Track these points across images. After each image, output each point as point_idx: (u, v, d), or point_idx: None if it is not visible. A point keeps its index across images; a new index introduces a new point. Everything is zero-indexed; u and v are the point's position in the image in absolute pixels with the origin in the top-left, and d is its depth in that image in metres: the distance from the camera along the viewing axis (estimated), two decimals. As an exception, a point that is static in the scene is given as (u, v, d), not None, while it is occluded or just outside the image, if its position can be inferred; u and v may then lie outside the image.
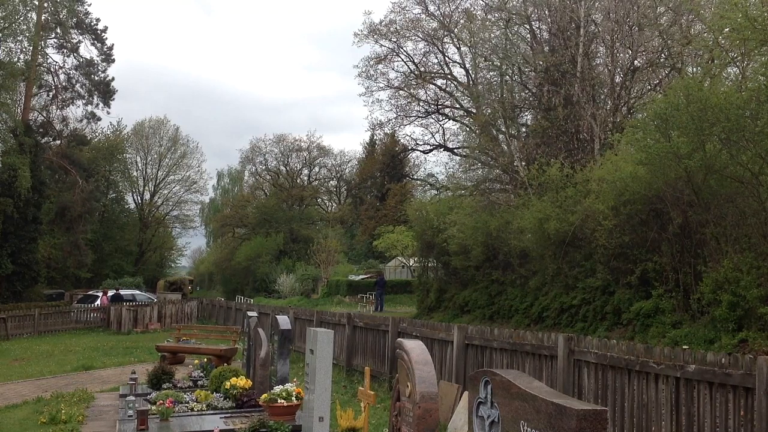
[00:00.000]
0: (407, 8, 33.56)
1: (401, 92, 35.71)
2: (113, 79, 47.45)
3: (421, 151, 41.40)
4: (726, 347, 10.41)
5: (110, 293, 32.29)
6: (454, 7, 32.77)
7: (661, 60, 20.99)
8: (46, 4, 39.95)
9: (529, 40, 25.58)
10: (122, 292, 33.55)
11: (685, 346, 8.10)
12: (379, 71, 35.53)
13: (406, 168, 58.53)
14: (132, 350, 19.46)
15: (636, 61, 21.17)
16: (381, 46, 35.10)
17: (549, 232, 16.67)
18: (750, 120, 11.67)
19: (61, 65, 45.16)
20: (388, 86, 35.78)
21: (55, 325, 27.32)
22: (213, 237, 79.90)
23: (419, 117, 36.24)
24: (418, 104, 35.86)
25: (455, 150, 35.18)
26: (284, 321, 9.11)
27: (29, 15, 37.70)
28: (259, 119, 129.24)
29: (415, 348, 5.20)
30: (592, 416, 2.98)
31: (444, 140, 37.34)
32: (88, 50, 49.23)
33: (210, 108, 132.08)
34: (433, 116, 36.40)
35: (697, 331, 11.81)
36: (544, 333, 8.03)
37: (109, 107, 47.59)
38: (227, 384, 9.33)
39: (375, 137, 57.43)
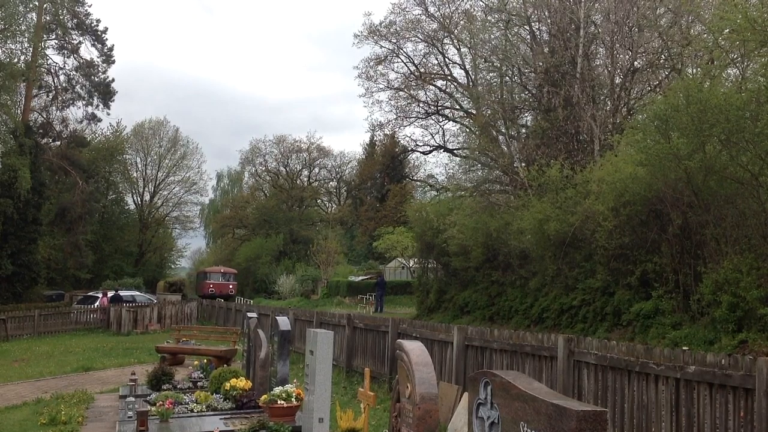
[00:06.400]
0: (407, 9, 33.67)
1: (401, 93, 35.79)
2: (113, 80, 47.58)
3: (420, 152, 41.51)
4: (726, 348, 10.41)
5: (110, 294, 32.29)
6: (454, 8, 32.85)
7: (661, 61, 21.00)
8: (46, 5, 39.97)
9: (528, 41, 25.60)
10: (122, 293, 33.53)
11: (685, 347, 8.11)
12: (379, 72, 35.65)
13: (406, 169, 58.57)
14: (132, 351, 19.44)
15: (636, 63, 21.18)
16: (381, 47, 35.21)
17: (549, 233, 16.68)
18: (750, 121, 11.68)
19: (62, 66, 45.28)
20: (388, 87, 35.89)
21: (54, 326, 27.30)
22: (213, 238, 79.92)
23: (419, 118, 36.33)
24: (418, 105, 35.94)
25: (455, 151, 35.20)
26: (284, 322, 9.11)
27: (29, 16, 37.79)
28: (260, 119, 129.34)
29: (414, 349, 5.20)
30: (592, 417, 2.98)
31: (444, 141, 37.43)
32: (88, 51, 49.29)
33: (210, 108, 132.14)
34: (433, 117, 36.48)
35: (697, 332, 11.81)
36: (544, 334, 8.03)
37: (109, 108, 47.70)
38: (227, 385, 9.33)
39: (375, 138, 57.53)
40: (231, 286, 50.33)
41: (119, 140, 55.12)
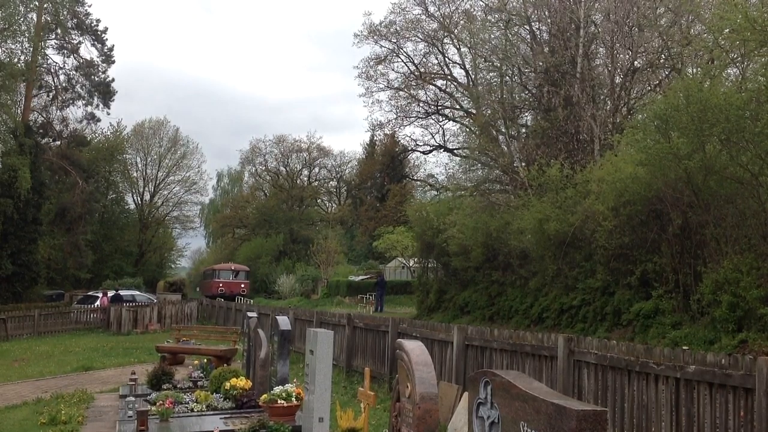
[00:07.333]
0: (407, 9, 33.65)
1: (401, 93, 35.76)
2: (113, 80, 47.58)
3: (421, 151, 41.47)
4: (726, 348, 10.41)
5: (110, 294, 32.28)
6: (454, 8, 32.84)
7: (661, 61, 21.00)
8: (46, 5, 39.96)
9: (528, 41, 25.60)
10: (122, 292, 33.51)
11: (685, 347, 8.10)
12: (379, 72, 35.62)
13: (406, 169, 58.54)
14: (132, 351, 19.44)
15: (636, 62, 21.17)
16: (381, 47, 35.19)
17: (549, 232, 16.67)
18: (750, 121, 11.68)
19: (62, 66, 45.28)
20: (388, 87, 35.86)
21: (54, 326, 27.30)
22: (213, 238, 79.93)
23: (419, 118, 36.30)
24: (418, 105, 35.91)
25: (455, 151, 35.20)
26: (284, 321, 9.11)
27: (29, 16, 37.82)
28: (260, 119, 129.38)
29: (414, 349, 5.20)
30: (591, 417, 2.98)
31: (444, 141, 37.39)
32: (88, 51, 49.24)
33: (210, 108, 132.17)
34: (433, 117, 36.45)
35: (697, 332, 11.81)
36: (544, 334, 8.03)
37: (109, 108, 47.71)
38: (227, 385, 9.33)
39: (375, 138, 57.50)
40: (243, 285, 46.08)
41: (119, 140, 55.08)
